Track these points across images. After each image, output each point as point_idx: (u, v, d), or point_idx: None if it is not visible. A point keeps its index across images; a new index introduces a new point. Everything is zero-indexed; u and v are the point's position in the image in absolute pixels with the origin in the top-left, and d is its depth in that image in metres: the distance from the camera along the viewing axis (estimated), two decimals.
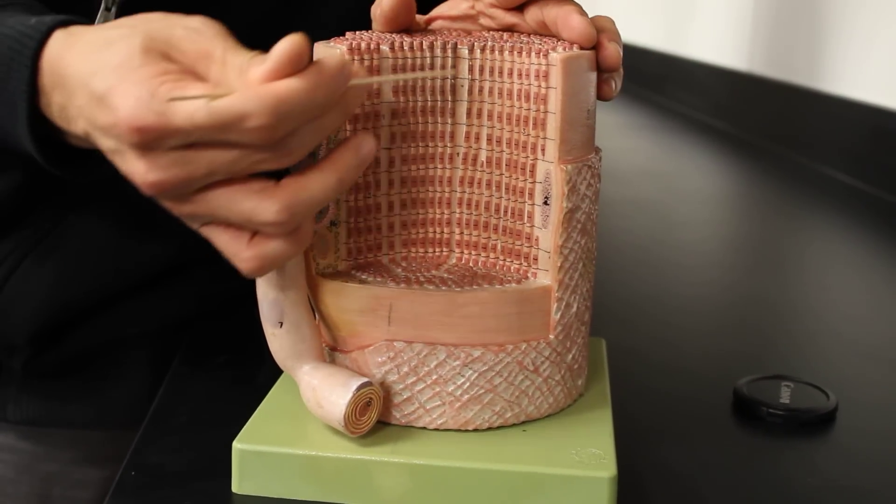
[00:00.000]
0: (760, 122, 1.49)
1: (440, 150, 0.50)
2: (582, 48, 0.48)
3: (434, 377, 0.47)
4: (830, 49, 1.30)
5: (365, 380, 0.46)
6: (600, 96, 0.50)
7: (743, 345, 0.70)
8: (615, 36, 0.49)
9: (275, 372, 0.51)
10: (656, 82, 1.90)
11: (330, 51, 0.47)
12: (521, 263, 0.49)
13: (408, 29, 0.52)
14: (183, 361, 0.62)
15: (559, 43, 0.48)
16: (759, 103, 1.50)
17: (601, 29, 0.49)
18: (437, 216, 0.51)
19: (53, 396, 0.66)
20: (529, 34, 0.51)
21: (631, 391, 0.57)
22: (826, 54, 1.31)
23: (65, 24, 0.46)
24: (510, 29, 0.52)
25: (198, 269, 0.67)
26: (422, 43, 0.49)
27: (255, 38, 0.43)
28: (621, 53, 0.49)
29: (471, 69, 0.50)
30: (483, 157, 0.50)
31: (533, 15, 0.51)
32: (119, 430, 0.66)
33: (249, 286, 0.48)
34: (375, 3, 0.51)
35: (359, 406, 0.46)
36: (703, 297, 0.81)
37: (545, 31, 0.50)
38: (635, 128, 1.67)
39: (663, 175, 1.31)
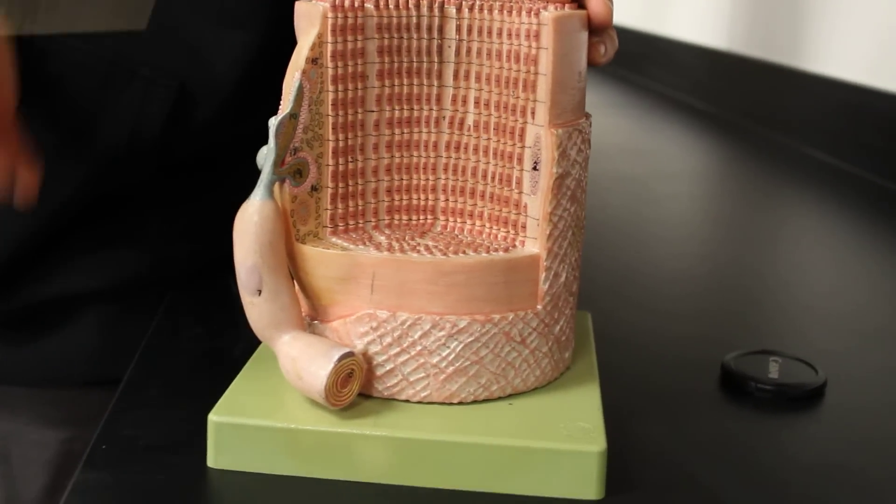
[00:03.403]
0: (740, 100, 1.48)
1: (426, 113, 0.49)
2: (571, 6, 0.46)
3: (418, 348, 0.45)
4: (810, 28, 1.29)
5: (347, 350, 0.44)
6: (589, 61, 0.48)
7: (729, 320, 0.69)
8: None
9: (252, 343, 0.49)
10: (635, 61, 1.89)
11: (313, 8, 0.46)
12: (508, 231, 0.48)
13: None
14: (156, 333, 0.60)
15: (550, 2, 0.47)
16: (738, 82, 1.49)
17: None
18: (423, 182, 0.49)
19: (7, 349, 0.66)
20: None
21: (616, 366, 0.56)
22: (806, 33, 1.30)
23: None
24: None
25: (150, 227, 0.66)
26: (407, 1, 0.47)
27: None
28: (612, 8, 0.47)
29: (458, 29, 0.48)
30: (470, 120, 0.48)
31: None
32: (74, 389, 0.66)
33: (226, 251, 0.46)
34: None
35: (340, 377, 0.44)
36: (686, 272, 0.80)
37: None
38: (614, 106, 1.66)
39: (643, 153, 1.30)
